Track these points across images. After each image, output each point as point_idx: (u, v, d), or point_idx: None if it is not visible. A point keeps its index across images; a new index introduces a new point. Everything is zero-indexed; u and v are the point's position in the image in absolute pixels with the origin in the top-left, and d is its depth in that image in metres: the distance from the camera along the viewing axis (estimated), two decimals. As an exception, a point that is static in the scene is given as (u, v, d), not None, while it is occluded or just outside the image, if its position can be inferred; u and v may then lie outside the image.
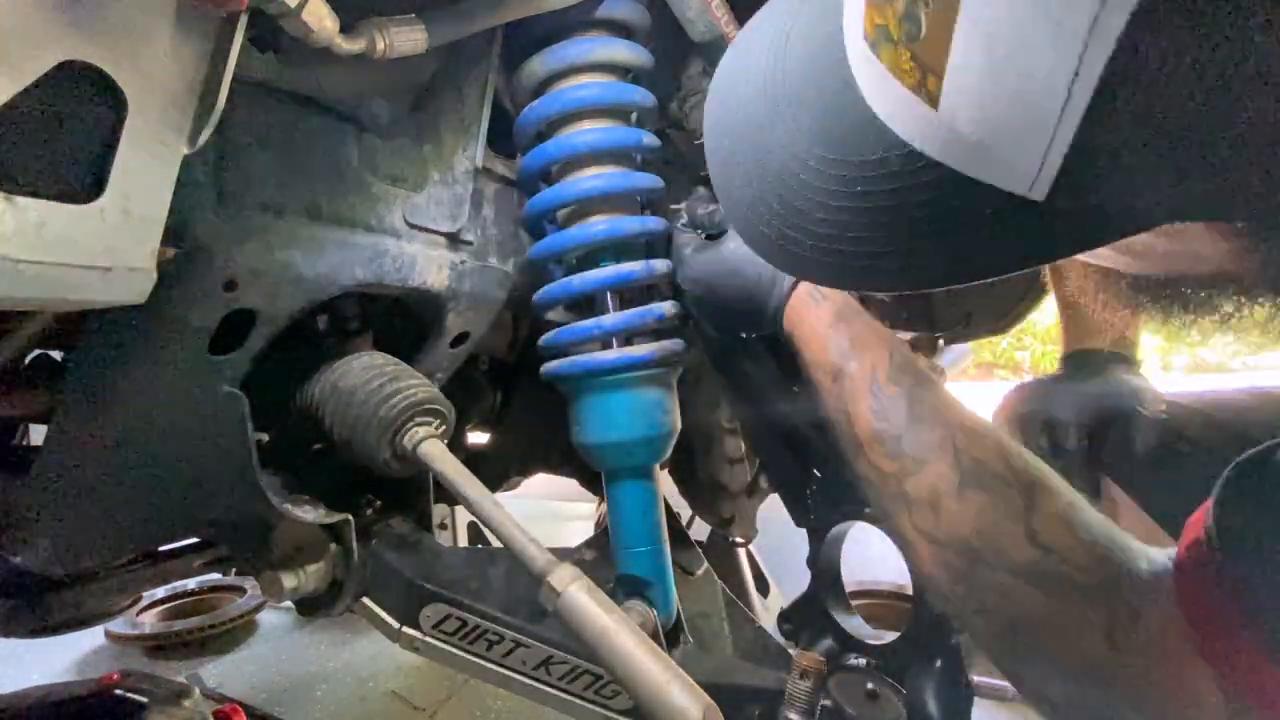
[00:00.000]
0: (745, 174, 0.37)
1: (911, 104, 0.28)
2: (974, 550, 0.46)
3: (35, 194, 0.38)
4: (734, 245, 0.67)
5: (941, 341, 1.52)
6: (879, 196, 0.31)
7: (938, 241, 0.31)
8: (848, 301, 0.60)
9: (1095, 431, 0.85)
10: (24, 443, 0.92)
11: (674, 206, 0.75)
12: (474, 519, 1.72)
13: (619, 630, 0.49)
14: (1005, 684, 1.47)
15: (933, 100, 0.27)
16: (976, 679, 0.70)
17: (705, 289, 0.69)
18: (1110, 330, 0.89)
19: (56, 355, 0.76)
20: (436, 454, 0.60)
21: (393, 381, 0.63)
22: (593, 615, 0.50)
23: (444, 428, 0.64)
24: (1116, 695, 0.43)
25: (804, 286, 0.61)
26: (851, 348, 0.57)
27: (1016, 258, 0.30)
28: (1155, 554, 0.44)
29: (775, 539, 1.32)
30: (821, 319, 0.59)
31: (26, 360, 0.73)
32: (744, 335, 0.73)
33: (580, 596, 0.51)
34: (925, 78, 0.27)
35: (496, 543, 0.57)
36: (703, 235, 0.71)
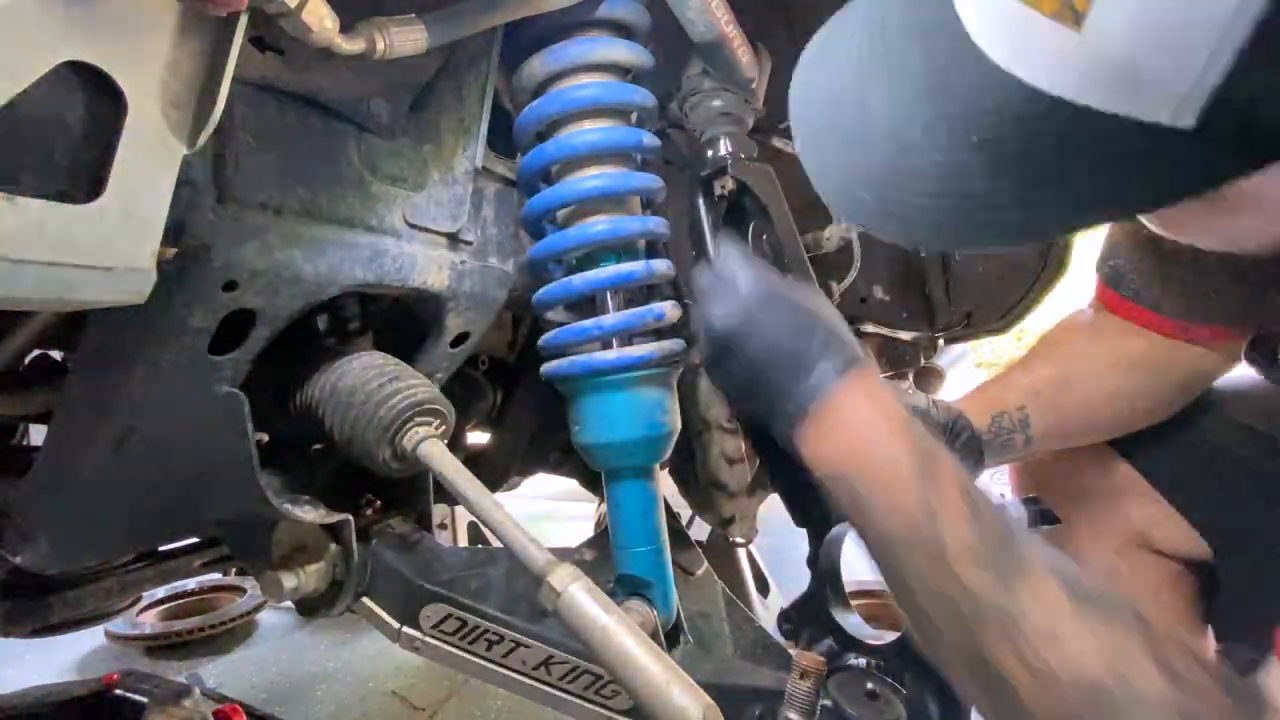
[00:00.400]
0: (840, 141, 0.36)
1: (1047, 35, 0.27)
2: (1104, 688, 0.38)
3: (35, 194, 0.38)
4: (778, 307, 0.55)
5: (941, 341, 1.52)
6: (998, 144, 0.30)
7: (1063, 186, 0.29)
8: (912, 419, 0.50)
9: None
10: (24, 443, 0.92)
11: (729, 246, 0.64)
12: (474, 519, 1.72)
13: (619, 630, 0.49)
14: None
15: (1077, 20, 0.26)
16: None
17: (726, 356, 0.57)
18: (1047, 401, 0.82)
19: (57, 355, 0.77)
20: (436, 454, 0.60)
21: (392, 381, 0.63)
22: (593, 615, 0.50)
23: (444, 428, 0.64)
24: None
25: (864, 371, 0.51)
26: (932, 451, 0.48)
27: (1151, 195, 0.28)
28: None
29: (775, 539, 1.31)
30: (885, 406, 0.49)
31: (26, 360, 0.73)
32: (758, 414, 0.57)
33: (580, 596, 0.50)
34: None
35: (497, 543, 0.57)
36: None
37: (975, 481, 0.48)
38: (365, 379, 0.63)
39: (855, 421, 0.50)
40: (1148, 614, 0.42)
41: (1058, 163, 0.29)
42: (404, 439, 0.61)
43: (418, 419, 0.62)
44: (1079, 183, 0.29)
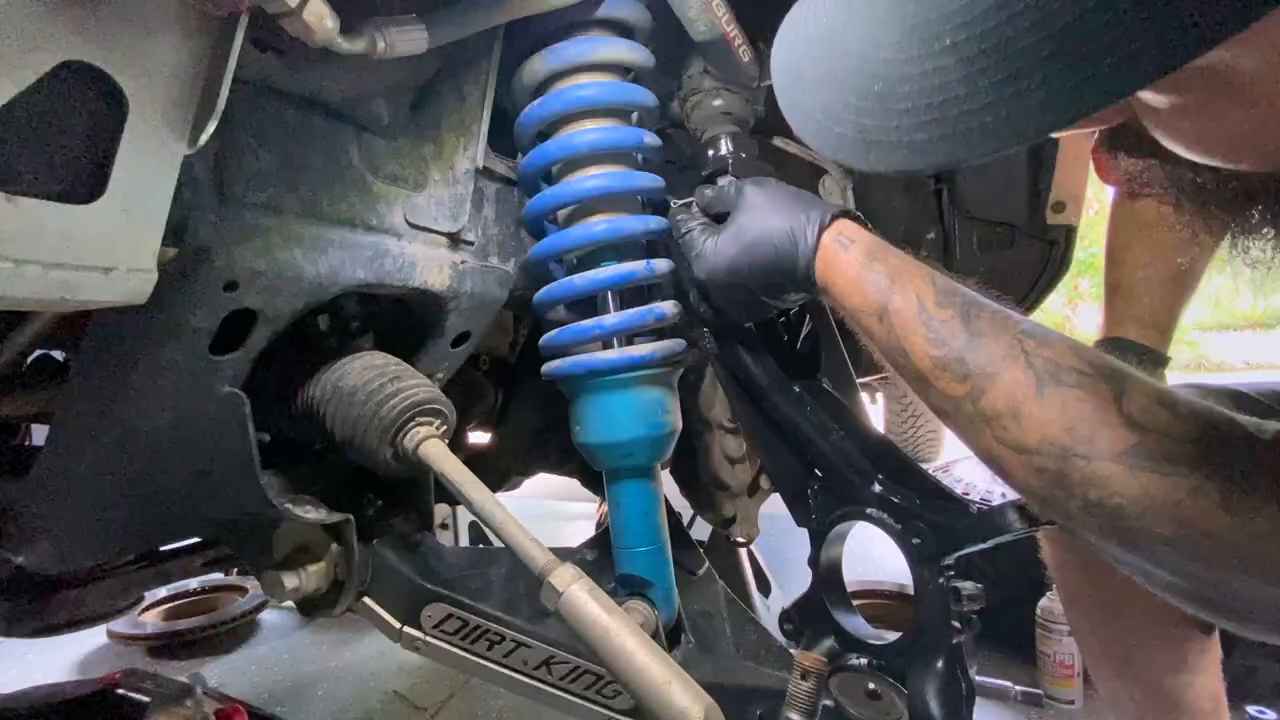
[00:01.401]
0: (815, 82, 0.36)
1: None
2: (1067, 447, 0.45)
3: (36, 194, 0.38)
4: (748, 217, 0.65)
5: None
6: (972, 42, 0.29)
7: (1048, 72, 0.28)
8: (876, 240, 0.59)
9: None
10: (25, 443, 0.92)
11: (679, 202, 0.73)
12: (475, 519, 1.72)
13: (620, 630, 0.49)
14: (1007, 684, 1.47)
15: None
16: (982, 679, 0.70)
17: (726, 271, 0.66)
18: (1144, 319, 0.88)
19: (58, 355, 0.77)
20: (437, 454, 0.60)
21: (393, 382, 0.63)
22: (594, 615, 0.50)
23: (445, 428, 0.64)
24: (1241, 564, 0.41)
25: (829, 237, 0.59)
26: (891, 283, 0.55)
27: (1151, 64, 0.26)
28: (1261, 421, 0.43)
29: (776, 538, 1.31)
30: (854, 263, 0.58)
31: (28, 360, 0.73)
32: (774, 314, 0.70)
33: (581, 596, 0.51)
34: None
35: (498, 542, 0.57)
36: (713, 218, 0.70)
37: (940, 281, 0.55)
38: (366, 379, 0.63)
39: (836, 265, 0.59)
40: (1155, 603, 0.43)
41: (1034, 47, 0.27)
42: (405, 439, 0.61)
43: (419, 419, 0.62)
44: (1066, 64, 0.27)
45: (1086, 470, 0.45)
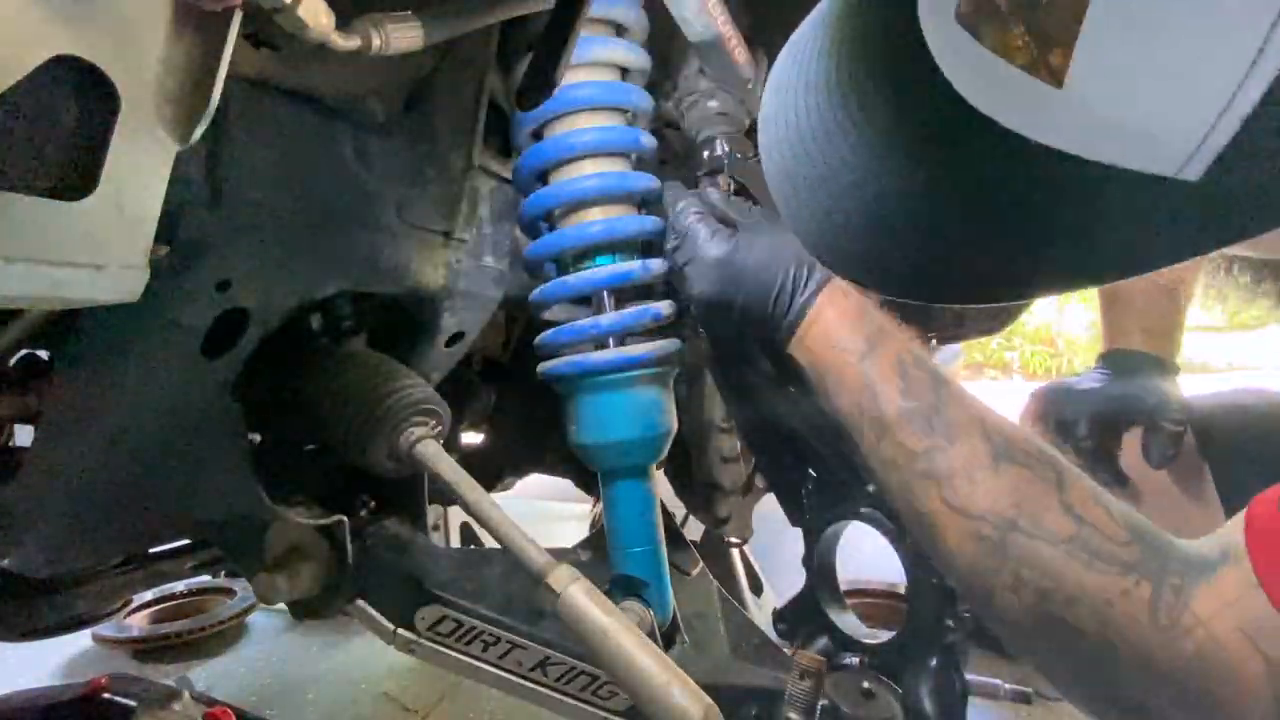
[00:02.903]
0: (811, 187, 0.34)
1: (1024, 87, 0.24)
2: (1012, 520, 0.46)
3: (25, 190, 0.37)
4: (758, 237, 0.64)
5: (934, 341, 1.53)
6: (978, 191, 0.28)
7: (1055, 239, 0.27)
8: (869, 299, 0.61)
9: (1108, 438, 0.85)
10: (9, 444, 0.91)
11: (682, 192, 0.72)
12: (467, 520, 1.72)
13: (618, 631, 0.49)
14: (999, 682, 1.48)
15: (1055, 77, 0.23)
16: (972, 678, 0.71)
17: (720, 283, 0.65)
18: (1152, 329, 0.89)
19: (44, 354, 0.76)
20: (433, 454, 0.60)
21: (388, 381, 0.62)
22: (592, 616, 0.50)
23: (440, 428, 0.64)
24: (1156, 681, 0.41)
25: (832, 285, 0.60)
26: (879, 334, 0.57)
27: (1155, 252, 0.26)
28: (1190, 542, 0.44)
29: (768, 538, 1.32)
30: (850, 309, 0.59)
31: (12, 360, 0.72)
32: (743, 341, 0.71)
33: (579, 597, 0.50)
34: (1045, 53, 0.23)
35: (491, 543, 0.57)
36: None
37: (919, 350, 0.57)
38: (361, 378, 0.62)
39: (826, 325, 0.60)
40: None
41: (1046, 212, 0.27)
42: (400, 439, 0.60)
43: (414, 419, 0.61)
44: (1073, 236, 0.27)
45: (1027, 547, 0.45)
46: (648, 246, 0.76)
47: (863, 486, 0.73)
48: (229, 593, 1.95)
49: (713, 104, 0.81)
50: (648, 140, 0.73)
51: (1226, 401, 0.85)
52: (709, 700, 0.47)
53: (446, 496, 1.37)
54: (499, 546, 0.55)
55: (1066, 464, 0.49)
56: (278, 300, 0.58)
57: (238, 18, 0.43)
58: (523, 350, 1.12)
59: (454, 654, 0.75)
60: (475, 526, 1.74)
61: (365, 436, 0.60)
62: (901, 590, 0.74)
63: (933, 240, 0.30)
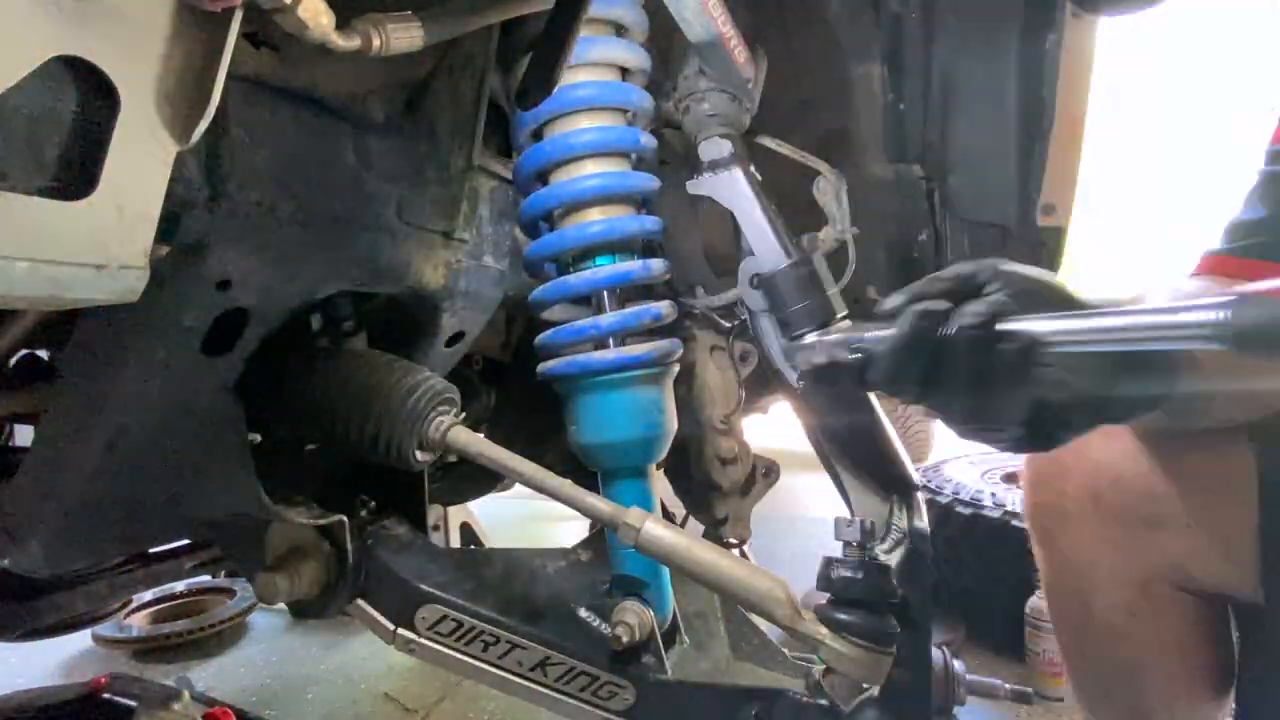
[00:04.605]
0: None
1: None
2: None
3: (26, 190, 0.37)
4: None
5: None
6: None
7: None
8: None
9: None
10: (9, 444, 0.91)
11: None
12: (467, 520, 1.71)
13: (698, 547, 0.59)
14: (997, 681, 1.48)
15: None
16: (972, 678, 0.70)
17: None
18: None
19: (44, 354, 0.76)
20: (466, 439, 0.62)
21: (407, 376, 0.63)
22: (673, 540, 0.58)
23: (461, 414, 0.66)
24: None
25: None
26: None
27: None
28: None
29: (767, 539, 1.32)
30: None
31: (13, 360, 0.72)
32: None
33: (656, 529, 0.58)
34: None
35: (489, 544, 0.57)
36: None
37: None
38: (376, 377, 0.63)
39: None
40: (1167, 660, 0.43)
41: None
42: (430, 429, 0.62)
43: (438, 408, 0.62)
44: None
45: None
46: (648, 246, 0.76)
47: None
48: (229, 593, 1.95)
49: (713, 104, 0.81)
50: (648, 140, 0.73)
51: None
52: (780, 579, 0.58)
53: (447, 497, 1.37)
54: (499, 547, 0.56)
55: None
56: (278, 300, 0.58)
57: (238, 18, 0.43)
58: (523, 350, 1.12)
59: (454, 654, 0.75)
60: (477, 528, 1.75)
61: (400, 430, 0.62)
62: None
63: None
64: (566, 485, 0.61)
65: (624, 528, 0.59)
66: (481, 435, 0.63)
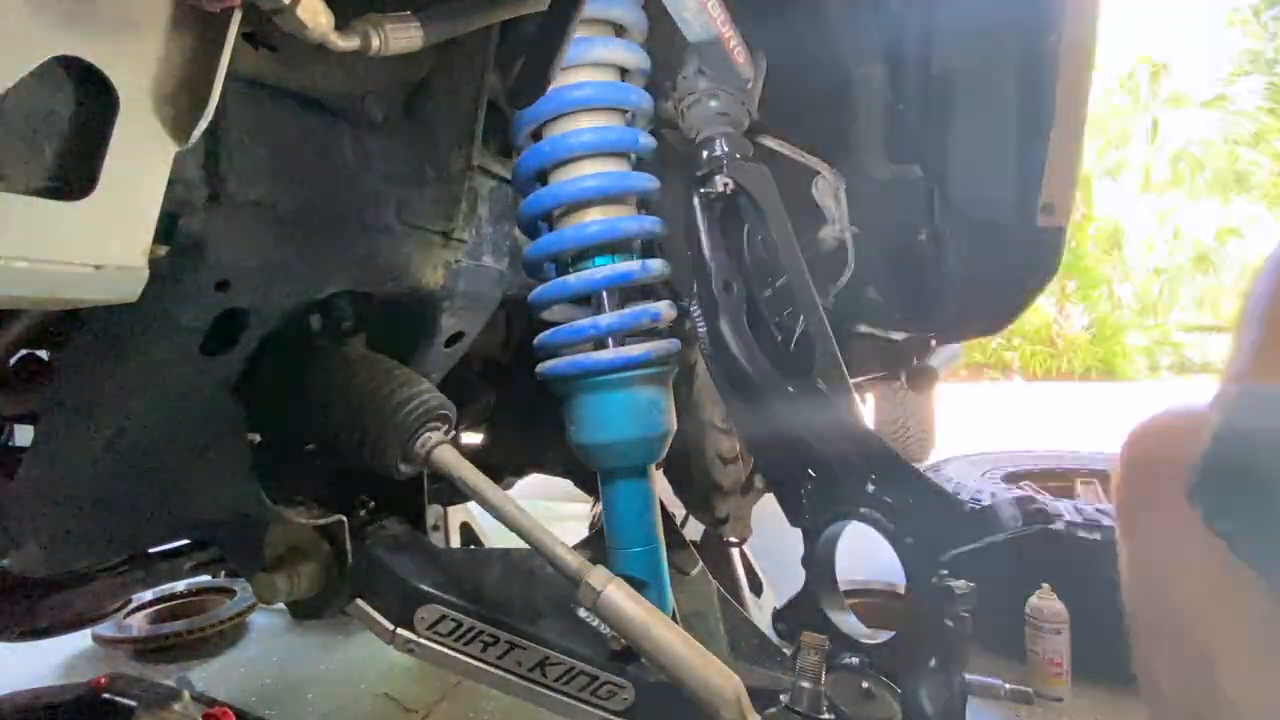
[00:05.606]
0: None
1: None
2: None
3: (25, 190, 0.37)
4: None
5: (934, 342, 1.53)
6: None
7: None
8: None
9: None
10: (8, 444, 0.91)
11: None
12: (467, 520, 1.71)
13: (657, 623, 0.56)
14: (997, 681, 1.48)
15: None
16: (972, 678, 0.70)
17: None
18: None
19: (44, 354, 0.76)
20: (452, 460, 0.61)
21: (404, 388, 0.63)
22: (632, 611, 0.55)
23: (452, 432, 0.65)
24: None
25: None
26: None
27: None
28: None
29: (767, 538, 1.32)
30: None
31: (13, 360, 0.72)
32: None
33: (618, 595, 0.56)
34: None
35: (489, 544, 0.57)
36: None
37: None
38: (372, 384, 0.63)
39: None
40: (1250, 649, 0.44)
41: None
42: (417, 445, 0.61)
43: (429, 424, 0.62)
44: None
45: None
46: (647, 246, 0.76)
47: (863, 486, 0.73)
48: (229, 593, 1.95)
49: (713, 104, 0.81)
50: (647, 140, 0.73)
51: None
52: (737, 678, 0.55)
53: (446, 497, 1.38)
54: (498, 547, 0.56)
55: None
56: (277, 300, 0.58)
57: (237, 18, 0.43)
58: (523, 350, 1.12)
59: (453, 654, 0.75)
60: (477, 528, 1.75)
61: (384, 441, 0.61)
62: (900, 590, 0.74)
63: None
64: (538, 529, 0.59)
65: (585, 587, 0.57)
66: (466, 460, 0.62)
